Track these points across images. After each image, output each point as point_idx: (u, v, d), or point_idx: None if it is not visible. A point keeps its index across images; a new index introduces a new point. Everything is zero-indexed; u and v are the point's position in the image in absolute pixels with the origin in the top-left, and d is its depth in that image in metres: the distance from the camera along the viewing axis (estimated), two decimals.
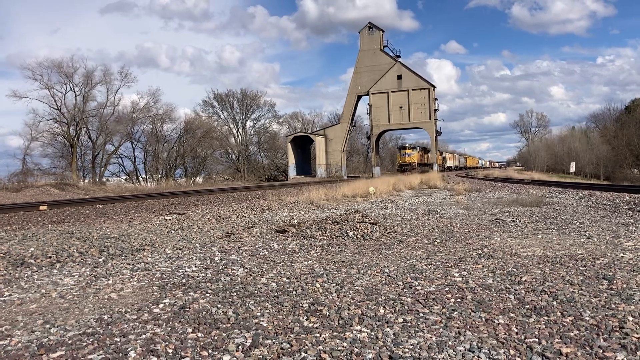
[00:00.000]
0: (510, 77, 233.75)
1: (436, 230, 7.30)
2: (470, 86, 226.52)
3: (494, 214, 9.31)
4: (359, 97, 64.67)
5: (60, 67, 46.04)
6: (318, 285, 4.00)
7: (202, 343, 2.78)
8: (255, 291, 3.90)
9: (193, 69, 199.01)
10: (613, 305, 3.23)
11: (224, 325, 3.07)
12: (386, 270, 4.49)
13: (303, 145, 65.89)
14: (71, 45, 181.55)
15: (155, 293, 3.94)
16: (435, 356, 2.52)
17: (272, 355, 2.59)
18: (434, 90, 61.10)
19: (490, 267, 4.50)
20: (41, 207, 12.85)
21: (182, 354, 2.63)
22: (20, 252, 5.47)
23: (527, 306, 3.28)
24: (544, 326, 2.90)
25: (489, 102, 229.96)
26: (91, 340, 2.87)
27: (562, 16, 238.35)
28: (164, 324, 3.12)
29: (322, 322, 3.10)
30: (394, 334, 2.84)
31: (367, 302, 3.50)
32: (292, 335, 2.86)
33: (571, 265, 4.50)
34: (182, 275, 4.54)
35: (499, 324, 2.96)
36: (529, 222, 7.77)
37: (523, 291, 3.65)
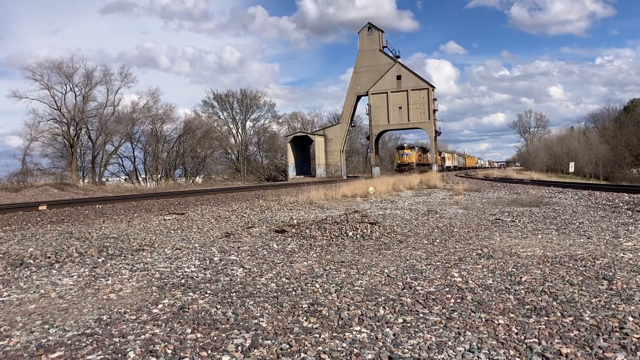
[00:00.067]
0: (509, 78, 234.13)
1: (436, 230, 7.29)
2: (469, 86, 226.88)
3: (493, 214, 9.31)
4: (359, 98, 64.69)
5: (60, 67, 46.11)
6: (317, 286, 4.00)
7: (201, 343, 2.77)
8: (255, 291, 3.89)
9: (193, 69, 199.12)
10: (613, 306, 3.23)
11: (223, 326, 3.07)
12: (386, 271, 4.49)
13: (303, 145, 65.90)
14: (71, 45, 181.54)
15: (155, 293, 3.93)
16: (435, 357, 2.51)
17: (271, 356, 2.58)
18: (433, 90, 61.11)
19: (490, 268, 4.50)
20: (40, 207, 12.84)
21: (182, 354, 2.62)
22: (19, 252, 5.46)
23: (527, 306, 3.28)
24: (543, 326, 2.89)
25: (488, 103, 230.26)
26: (90, 340, 2.86)
27: (562, 17, 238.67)
28: (163, 325, 3.12)
29: (321, 322, 3.10)
30: (394, 335, 2.84)
31: (367, 302, 3.50)
32: (291, 336, 2.86)
33: (571, 265, 4.49)
34: (182, 276, 4.53)
35: (498, 324, 2.96)
36: (528, 222, 7.77)
37: (523, 291, 3.65)
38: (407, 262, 4.91)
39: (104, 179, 48.07)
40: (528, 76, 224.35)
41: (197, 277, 4.47)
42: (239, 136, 68.90)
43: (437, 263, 4.79)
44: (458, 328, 2.91)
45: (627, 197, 11.29)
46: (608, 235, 6.17)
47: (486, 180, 33.29)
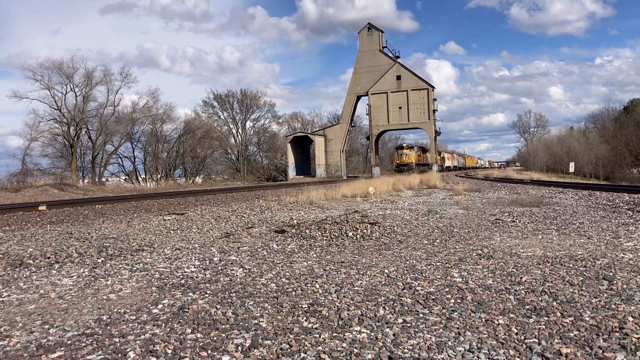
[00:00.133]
0: (509, 78, 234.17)
1: (436, 230, 7.29)
2: (469, 87, 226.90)
3: (493, 214, 9.31)
4: (359, 98, 64.70)
5: (60, 67, 46.07)
6: (317, 286, 4.00)
7: (201, 344, 2.77)
8: (255, 292, 3.89)
9: (193, 69, 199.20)
10: (613, 306, 3.23)
11: (223, 326, 3.07)
12: (386, 271, 4.49)
13: (302, 145, 65.90)
14: (71, 45, 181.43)
15: (154, 294, 3.93)
16: (435, 357, 2.51)
17: (271, 356, 2.58)
18: (433, 90, 61.13)
19: (490, 268, 4.49)
20: (40, 208, 12.83)
21: (182, 354, 2.62)
22: (19, 253, 5.46)
23: (527, 307, 3.28)
24: (543, 327, 2.89)
25: (487, 103, 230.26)
26: (90, 340, 2.86)
27: (561, 17, 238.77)
28: (163, 325, 3.11)
29: (321, 322, 3.10)
30: (394, 335, 2.83)
31: (367, 302, 3.49)
32: (291, 336, 2.86)
33: (571, 265, 4.49)
34: (181, 276, 4.53)
35: (498, 324, 2.96)
36: (528, 223, 7.77)
37: (523, 292, 3.65)
38: (407, 262, 4.91)
39: (103, 179, 48.06)
40: (528, 76, 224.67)
41: (197, 277, 4.47)
42: (239, 136, 68.94)
43: (437, 263, 4.79)
44: (458, 328, 2.91)
45: (627, 197, 11.29)
46: (608, 236, 6.17)
47: (486, 180, 33.29)
